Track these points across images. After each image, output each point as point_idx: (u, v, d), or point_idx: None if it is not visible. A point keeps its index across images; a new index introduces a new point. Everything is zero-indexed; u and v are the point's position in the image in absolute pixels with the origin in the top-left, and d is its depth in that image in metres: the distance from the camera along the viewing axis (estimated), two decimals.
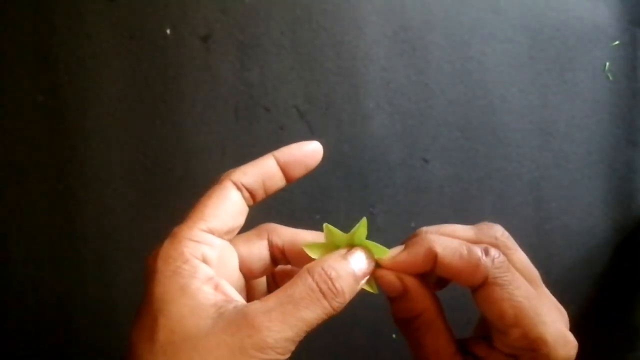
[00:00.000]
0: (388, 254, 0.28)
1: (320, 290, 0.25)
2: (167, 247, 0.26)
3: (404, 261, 0.28)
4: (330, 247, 0.29)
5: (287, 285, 0.25)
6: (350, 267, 0.27)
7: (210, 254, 0.26)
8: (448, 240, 0.28)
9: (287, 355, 0.24)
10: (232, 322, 0.24)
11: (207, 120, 0.58)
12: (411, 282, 0.28)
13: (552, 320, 0.27)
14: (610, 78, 0.63)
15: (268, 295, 0.25)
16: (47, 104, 0.56)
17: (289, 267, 0.32)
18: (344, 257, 0.27)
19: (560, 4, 0.62)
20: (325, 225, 0.29)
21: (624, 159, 0.64)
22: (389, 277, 0.28)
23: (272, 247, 0.30)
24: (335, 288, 0.25)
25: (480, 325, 0.30)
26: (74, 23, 0.57)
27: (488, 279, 0.26)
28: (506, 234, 0.29)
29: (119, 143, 0.57)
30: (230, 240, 0.29)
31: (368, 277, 0.28)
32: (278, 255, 0.30)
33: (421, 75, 0.60)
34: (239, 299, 0.26)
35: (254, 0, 0.58)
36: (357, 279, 0.27)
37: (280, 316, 0.24)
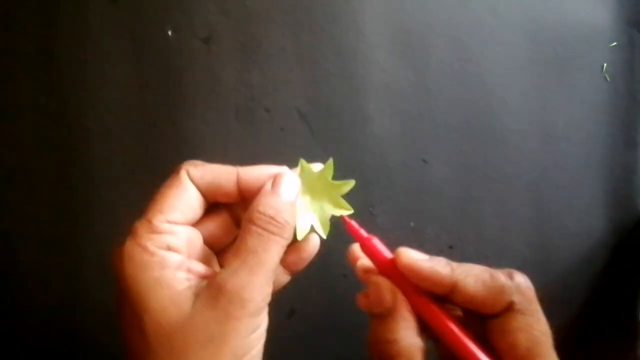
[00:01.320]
0: (347, 211, 0.30)
1: (268, 230, 0.26)
2: (129, 246, 0.27)
3: (422, 268, 0.26)
4: (313, 178, 0.30)
5: (238, 243, 0.26)
6: (283, 198, 0.27)
7: (175, 242, 0.27)
8: (468, 267, 0.26)
9: (269, 299, 0.26)
10: (210, 296, 0.25)
11: (208, 121, 0.58)
12: (404, 304, 0.26)
13: None
14: (608, 79, 0.64)
15: (226, 260, 0.26)
16: (49, 105, 0.57)
17: None
18: (274, 190, 0.28)
19: (559, 6, 0.62)
20: (300, 160, 0.30)
21: (622, 160, 0.64)
22: (384, 286, 0.27)
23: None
24: (280, 223, 0.27)
25: None
26: (76, 25, 0.57)
27: (513, 305, 0.25)
28: (530, 285, 0.27)
29: (120, 144, 0.58)
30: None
31: (322, 222, 0.29)
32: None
33: (421, 77, 0.61)
34: (211, 273, 0.27)
35: (255, 3, 0.58)
36: (293, 205, 0.28)
37: (247, 270, 0.25)
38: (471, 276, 0.26)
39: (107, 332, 0.57)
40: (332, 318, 0.58)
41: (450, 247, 0.61)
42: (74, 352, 0.57)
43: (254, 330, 0.25)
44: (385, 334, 0.26)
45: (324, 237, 0.30)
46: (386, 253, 0.28)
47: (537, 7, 0.62)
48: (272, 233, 0.26)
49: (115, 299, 0.27)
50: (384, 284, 0.27)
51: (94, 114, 0.57)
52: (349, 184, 0.30)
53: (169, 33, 0.58)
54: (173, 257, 0.26)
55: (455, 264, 0.27)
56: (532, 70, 0.62)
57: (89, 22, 0.57)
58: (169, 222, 0.27)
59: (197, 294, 0.25)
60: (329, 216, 0.30)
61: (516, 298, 0.25)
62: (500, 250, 0.62)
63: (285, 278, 0.31)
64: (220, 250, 0.31)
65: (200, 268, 0.27)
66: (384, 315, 0.26)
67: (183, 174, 0.28)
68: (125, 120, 0.58)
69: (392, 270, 0.27)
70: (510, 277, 0.26)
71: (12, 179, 0.57)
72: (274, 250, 0.26)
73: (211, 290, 0.25)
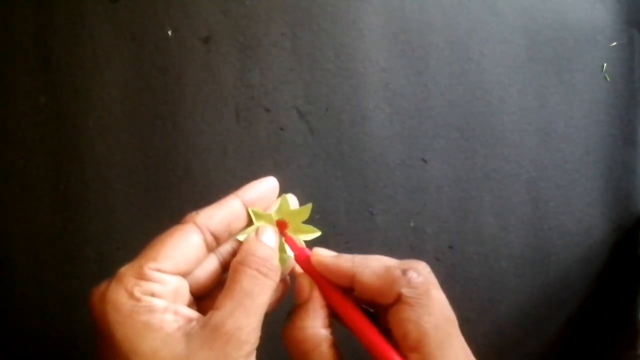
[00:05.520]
0: (316, 233, 0.32)
1: (262, 273, 0.27)
2: (114, 291, 0.26)
3: (327, 262, 0.29)
4: (269, 218, 0.31)
5: (230, 285, 0.27)
6: (269, 246, 0.29)
7: (160, 290, 0.27)
8: (370, 260, 0.29)
9: (258, 342, 0.27)
10: (205, 337, 0.25)
11: (208, 121, 0.58)
12: (319, 299, 0.29)
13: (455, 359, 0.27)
14: (608, 79, 0.64)
15: (219, 301, 0.26)
16: (49, 105, 0.57)
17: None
18: (258, 239, 0.29)
19: (559, 6, 0.62)
20: (283, 195, 0.31)
21: (621, 159, 0.64)
22: (304, 282, 0.30)
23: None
24: (273, 265, 0.28)
25: None
26: (76, 25, 0.57)
27: (401, 296, 0.27)
28: (423, 279, 0.29)
29: (120, 143, 0.58)
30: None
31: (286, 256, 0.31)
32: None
33: (420, 76, 0.61)
34: (197, 315, 0.27)
35: (254, 2, 0.59)
36: (276, 252, 0.30)
37: (244, 312, 0.26)
38: (368, 269, 0.28)
39: None
40: None
41: (450, 247, 0.62)
42: (73, 352, 0.57)
43: None
44: (298, 322, 0.29)
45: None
46: (308, 253, 0.31)
47: (536, 6, 0.62)
48: (266, 276, 0.28)
49: (97, 339, 0.27)
50: (304, 280, 0.30)
51: (93, 113, 0.57)
52: (308, 207, 0.32)
53: (169, 33, 0.58)
54: (158, 302, 0.26)
55: (358, 259, 0.29)
56: (531, 69, 0.62)
57: (88, 22, 0.57)
58: (159, 270, 0.27)
59: (189, 335, 0.25)
60: (303, 244, 0.32)
61: (405, 290, 0.27)
62: (499, 249, 0.62)
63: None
64: (201, 296, 0.31)
65: (187, 311, 0.27)
66: (301, 306, 0.29)
67: (189, 225, 0.28)
68: (125, 120, 0.58)
69: (312, 270, 0.30)
70: (405, 271, 0.28)
71: (11, 179, 0.57)
72: (267, 294, 0.27)
73: (206, 331, 0.25)
